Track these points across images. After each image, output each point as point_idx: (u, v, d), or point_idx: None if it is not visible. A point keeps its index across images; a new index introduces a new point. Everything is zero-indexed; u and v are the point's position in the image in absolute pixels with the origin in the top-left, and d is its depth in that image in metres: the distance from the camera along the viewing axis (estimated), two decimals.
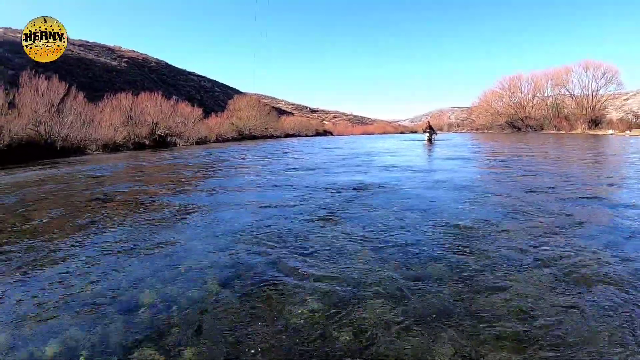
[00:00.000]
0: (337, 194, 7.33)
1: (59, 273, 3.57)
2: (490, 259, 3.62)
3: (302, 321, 2.59)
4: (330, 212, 5.74)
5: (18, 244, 4.55)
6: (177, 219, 5.68)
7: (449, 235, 4.43)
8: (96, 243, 4.51)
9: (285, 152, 22.77)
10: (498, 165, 12.85)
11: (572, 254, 3.70)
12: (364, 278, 3.25)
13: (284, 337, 2.42)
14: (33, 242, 4.60)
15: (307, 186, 8.50)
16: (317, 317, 2.64)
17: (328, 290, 3.03)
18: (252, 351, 2.28)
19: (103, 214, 6.14)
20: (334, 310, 2.71)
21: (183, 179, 10.71)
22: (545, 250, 3.84)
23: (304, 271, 3.41)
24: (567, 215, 5.31)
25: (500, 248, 3.90)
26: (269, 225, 5.07)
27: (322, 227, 4.92)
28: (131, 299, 2.97)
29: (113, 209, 6.54)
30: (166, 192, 8.24)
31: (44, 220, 5.83)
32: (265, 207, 6.38)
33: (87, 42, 67.45)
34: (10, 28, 55.96)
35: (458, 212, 5.61)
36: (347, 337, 2.40)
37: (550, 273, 3.24)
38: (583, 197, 6.47)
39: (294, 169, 12.97)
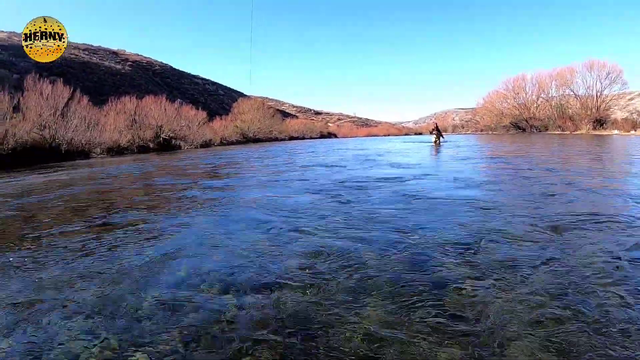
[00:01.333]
0: (363, 184, 8.59)
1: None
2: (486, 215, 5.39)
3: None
4: (357, 198, 6.87)
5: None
6: (238, 201, 7.11)
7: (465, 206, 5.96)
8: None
9: (298, 153, 23.87)
10: (501, 163, 13.94)
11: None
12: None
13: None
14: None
15: (336, 180, 9.52)
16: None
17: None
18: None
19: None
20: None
21: (214, 175, 12.21)
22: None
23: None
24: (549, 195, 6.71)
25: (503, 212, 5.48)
26: (310, 207, 6.16)
27: (351, 207, 6.07)
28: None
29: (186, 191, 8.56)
30: (209, 184, 9.77)
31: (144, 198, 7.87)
32: (303, 193, 7.65)
33: (92, 45, 67.47)
34: (14, 32, 56.09)
35: (468, 196, 6.82)
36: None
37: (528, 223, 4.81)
38: (567, 185, 7.85)
39: (314, 165, 14.36)
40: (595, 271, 3.14)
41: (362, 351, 2.15)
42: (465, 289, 2.88)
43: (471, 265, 3.34)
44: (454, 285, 2.94)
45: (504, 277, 3.05)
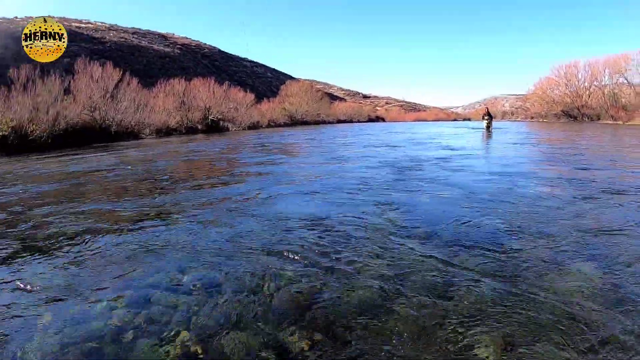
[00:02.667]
0: (418, 161, 9.80)
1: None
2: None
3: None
4: (415, 171, 8.01)
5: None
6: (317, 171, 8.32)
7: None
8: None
9: (350, 136, 24.53)
10: (548, 148, 14.57)
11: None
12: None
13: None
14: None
15: (395, 157, 10.82)
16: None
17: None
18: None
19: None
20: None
21: (286, 152, 13.56)
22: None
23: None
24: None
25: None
26: (378, 175, 7.53)
27: (410, 175, 7.47)
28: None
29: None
30: (285, 160, 10.96)
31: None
32: (371, 165, 9.00)
33: (140, 29, 68.46)
34: (64, 17, 57.42)
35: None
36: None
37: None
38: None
39: (372, 146, 15.36)
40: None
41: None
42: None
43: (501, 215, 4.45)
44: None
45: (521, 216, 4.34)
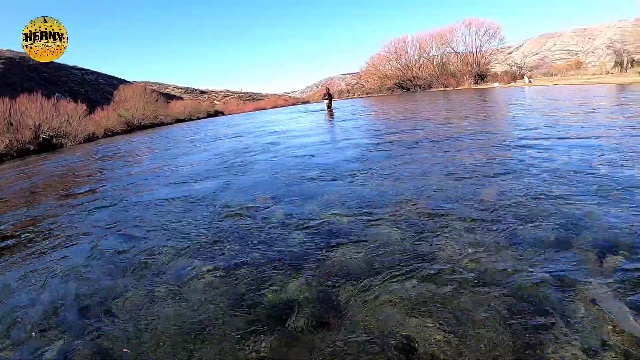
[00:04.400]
0: (267, 145, 13.25)
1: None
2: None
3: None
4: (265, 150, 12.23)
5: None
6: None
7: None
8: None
9: (192, 134, 26.55)
10: (377, 116, 20.33)
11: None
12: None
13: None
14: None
15: (226, 148, 14.32)
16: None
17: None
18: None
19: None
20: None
21: (127, 162, 15.07)
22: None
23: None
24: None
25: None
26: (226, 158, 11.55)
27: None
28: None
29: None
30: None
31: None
32: (214, 155, 12.61)
33: None
34: None
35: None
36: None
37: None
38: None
39: (219, 138, 18.78)
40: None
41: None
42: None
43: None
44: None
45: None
